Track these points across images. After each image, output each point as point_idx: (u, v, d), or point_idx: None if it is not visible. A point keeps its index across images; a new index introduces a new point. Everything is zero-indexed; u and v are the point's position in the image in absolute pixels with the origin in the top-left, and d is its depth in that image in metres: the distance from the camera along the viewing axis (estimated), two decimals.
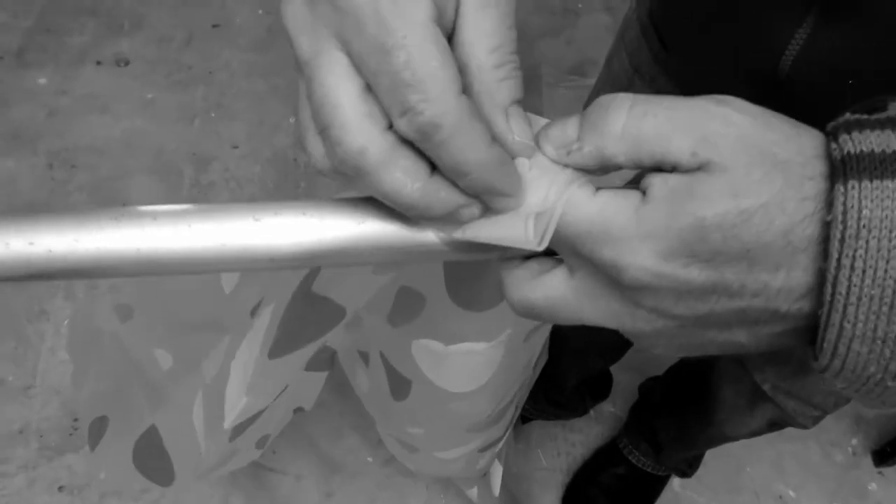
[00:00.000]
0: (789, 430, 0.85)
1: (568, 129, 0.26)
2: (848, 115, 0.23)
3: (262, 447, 0.82)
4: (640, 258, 0.24)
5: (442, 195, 0.26)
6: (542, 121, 0.29)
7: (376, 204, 0.28)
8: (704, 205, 0.22)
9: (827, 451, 1.34)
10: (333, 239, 0.28)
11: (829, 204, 0.22)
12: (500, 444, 0.86)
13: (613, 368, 1.26)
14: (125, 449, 0.76)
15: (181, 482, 0.76)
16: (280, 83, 1.78)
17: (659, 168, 0.25)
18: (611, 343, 1.04)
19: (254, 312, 0.58)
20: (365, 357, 0.77)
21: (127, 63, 1.77)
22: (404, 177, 0.25)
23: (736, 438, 0.95)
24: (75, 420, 1.21)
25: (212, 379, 0.62)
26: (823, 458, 1.33)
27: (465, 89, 0.25)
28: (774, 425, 0.84)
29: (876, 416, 1.39)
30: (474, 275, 0.54)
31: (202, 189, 1.56)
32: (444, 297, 0.56)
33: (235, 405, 0.59)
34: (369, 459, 1.24)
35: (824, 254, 0.22)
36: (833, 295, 0.22)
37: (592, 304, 0.27)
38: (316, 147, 0.26)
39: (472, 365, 0.63)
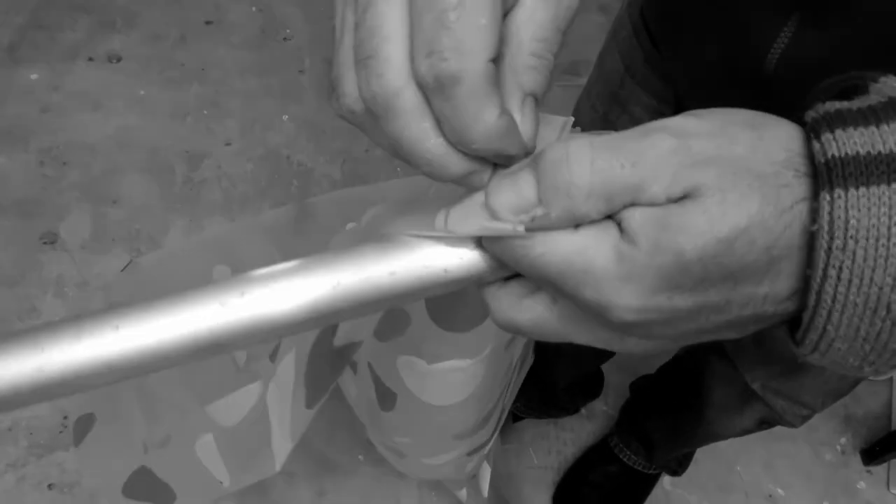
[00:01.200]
0: (779, 430, 0.86)
1: (523, 189, 0.24)
2: (828, 105, 0.23)
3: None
4: (624, 299, 0.23)
5: (458, 157, 0.25)
6: (557, 120, 0.29)
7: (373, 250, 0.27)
8: (682, 238, 0.22)
9: (816, 450, 1.35)
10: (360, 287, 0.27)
11: (811, 210, 0.22)
12: (488, 447, 0.86)
13: (605, 367, 1.27)
14: (115, 481, 0.75)
15: (183, 501, 0.75)
16: (273, 81, 1.77)
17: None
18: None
19: (273, 357, 0.58)
20: (353, 366, 0.78)
21: (119, 60, 1.76)
22: (432, 128, 0.24)
23: (726, 437, 0.95)
24: (65, 418, 1.21)
25: (236, 423, 0.62)
26: (813, 457, 1.34)
27: (496, 60, 0.24)
28: (764, 424, 0.85)
29: (865, 416, 1.40)
30: (452, 297, 0.53)
31: (194, 186, 1.56)
32: (426, 318, 0.57)
33: (282, 450, 0.60)
34: (361, 458, 1.25)
35: (808, 259, 0.22)
36: (818, 302, 0.22)
37: (578, 328, 0.27)
38: (349, 85, 0.25)
39: (455, 380, 0.63)
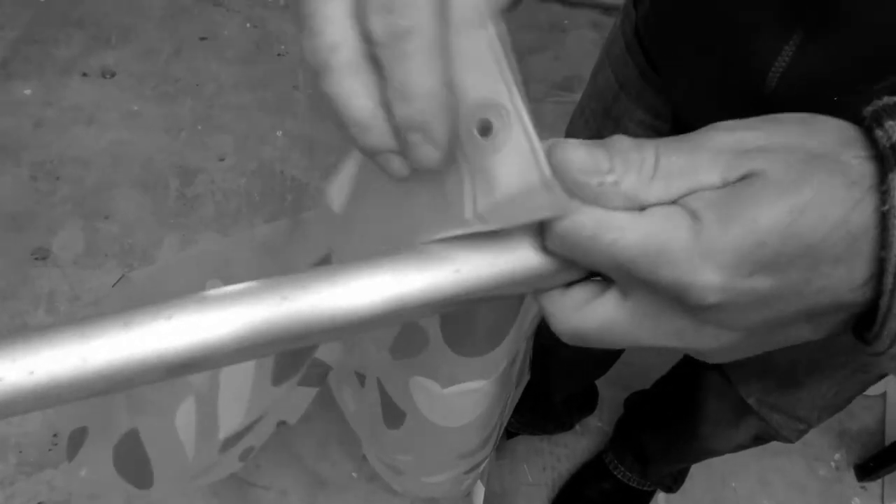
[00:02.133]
0: (774, 445, 0.85)
1: (598, 158, 0.24)
2: (886, 99, 0.23)
3: (244, 459, 0.81)
4: (705, 276, 0.22)
5: (384, 126, 0.25)
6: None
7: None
8: (753, 209, 0.22)
9: (811, 465, 1.35)
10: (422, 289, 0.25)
11: (879, 190, 0.22)
12: (483, 465, 0.86)
13: (599, 383, 1.26)
14: (105, 454, 0.75)
15: (159, 487, 0.75)
16: (267, 96, 1.78)
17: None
18: (597, 359, 1.05)
19: None
20: (361, 378, 0.77)
21: (113, 75, 1.77)
22: (363, 88, 0.24)
23: (721, 453, 0.95)
24: (55, 435, 1.20)
25: (207, 389, 0.61)
26: (807, 472, 1.34)
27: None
28: (759, 439, 0.85)
29: (859, 431, 1.40)
30: (467, 323, 0.53)
31: (188, 201, 1.55)
32: (440, 341, 0.56)
33: (233, 419, 0.58)
34: (354, 475, 1.24)
35: (881, 241, 0.22)
36: (894, 284, 0.22)
37: (651, 325, 0.25)
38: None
39: (467, 402, 0.62)
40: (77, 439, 0.86)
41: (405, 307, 0.25)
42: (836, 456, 1.37)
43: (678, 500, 1.28)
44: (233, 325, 0.24)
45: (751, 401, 0.79)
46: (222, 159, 1.64)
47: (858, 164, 0.22)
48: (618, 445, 1.22)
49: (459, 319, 0.53)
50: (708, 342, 0.25)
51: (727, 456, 0.97)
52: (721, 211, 0.22)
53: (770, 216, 0.22)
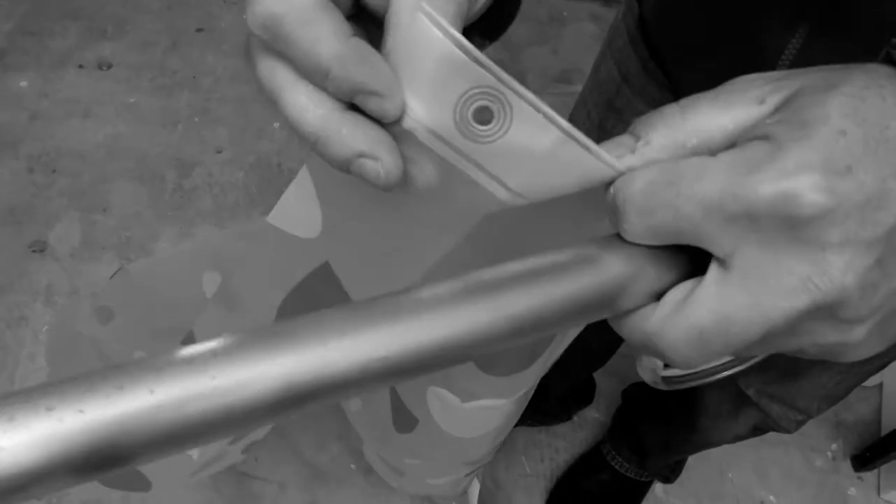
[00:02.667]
0: (771, 436, 0.86)
1: (619, 138, 0.24)
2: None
3: (246, 452, 0.81)
4: (803, 179, 0.20)
5: (343, 132, 0.23)
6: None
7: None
8: (819, 110, 0.21)
9: (807, 456, 1.35)
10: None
11: None
12: (480, 467, 0.86)
13: (597, 374, 1.27)
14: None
15: (158, 488, 0.75)
16: None
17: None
18: (595, 351, 1.05)
19: (187, 341, 0.57)
20: None
21: (110, 67, 1.76)
22: (307, 100, 0.23)
23: (719, 444, 0.96)
24: None
25: None
26: (804, 463, 1.34)
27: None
28: (758, 430, 0.85)
29: (855, 422, 1.40)
30: None
31: (185, 194, 1.55)
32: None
33: None
34: (353, 467, 1.24)
35: None
36: None
37: (769, 283, 0.21)
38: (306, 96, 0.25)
39: (484, 416, 0.61)
40: None
41: (489, 339, 0.23)
42: (833, 446, 1.37)
43: (675, 491, 1.28)
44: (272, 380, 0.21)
45: (750, 392, 0.79)
46: (219, 152, 1.64)
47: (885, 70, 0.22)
48: (615, 437, 1.22)
49: None
50: (839, 277, 0.21)
51: (724, 447, 0.97)
52: (791, 123, 0.21)
53: (837, 107, 0.21)
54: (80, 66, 1.74)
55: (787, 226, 0.21)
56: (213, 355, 0.20)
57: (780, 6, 0.44)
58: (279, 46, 0.23)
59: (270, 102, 0.24)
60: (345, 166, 0.24)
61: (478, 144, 0.24)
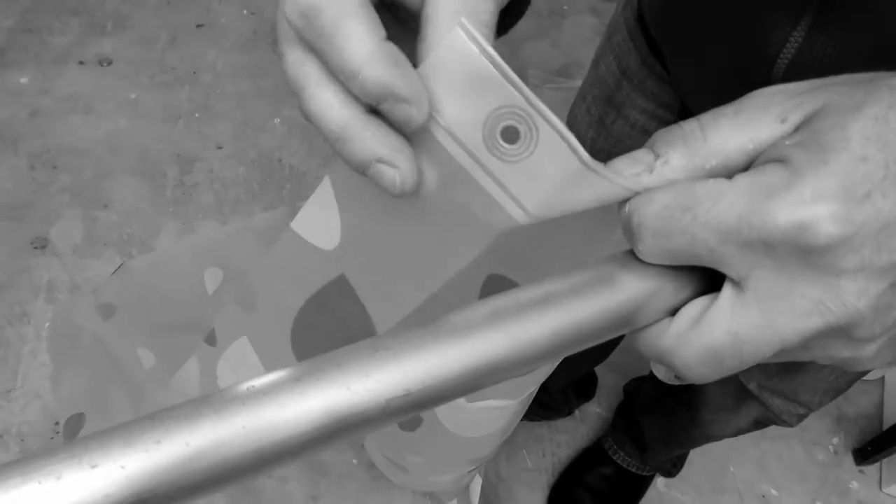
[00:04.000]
0: (772, 430, 0.86)
1: (636, 154, 0.24)
2: None
3: None
4: (820, 208, 0.20)
5: (367, 135, 0.23)
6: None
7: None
8: (840, 133, 0.21)
9: (809, 450, 1.35)
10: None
11: None
12: (482, 464, 0.86)
13: (598, 369, 1.27)
14: None
15: None
16: (265, 84, 1.77)
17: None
18: (597, 347, 1.05)
19: (212, 341, 0.57)
20: None
21: (110, 63, 1.76)
22: (335, 98, 0.24)
23: (721, 438, 0.96)
24: (56, 424, 1.20)
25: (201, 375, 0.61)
26: (806, 457, 1.34)
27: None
28: (759, 424, 0.85)
29: (857, 415, 1.40)
30: None
31: (186, 190, 1.55)
32: None
33: None
34: (354, 462, 1.24)
35: None
36: None
37: (783, 305, 0.22)
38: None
39: (490, 416, 0.61)
40: (74, 425, 0.86)
41: (511, 365, 0.24)
42: (835, 440, 1.37)
43: (677, 485, 1.29)
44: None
45: (751, 386, 0.79)
46: (220, 147, 1.63)
47: None
48: (617, 431, 1.22)
49: None
50: (853, 302, 0.21)
51: (726, 441, 0.97)
52: (809, 148, 0.21)
53: (859, 131, 0.20)
54: (81, 63, 1.74)
55: (803, 253, 0.21)
56: (243, 404, 0.21)
57: (780, 1, 0.44)
58: (312, 38, 0.23)
59: (294, 93, 0.24)
60: (362, 168, 0.24)
61: (503, 163, 0.24)
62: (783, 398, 0.78)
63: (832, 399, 0.76)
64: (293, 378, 0.22)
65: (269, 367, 0.53)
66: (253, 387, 0.21)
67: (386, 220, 0.33)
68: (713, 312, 0.23)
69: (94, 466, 0.19)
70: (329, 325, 0.44)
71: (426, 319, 0.24)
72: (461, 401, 0.58)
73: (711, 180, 0.22)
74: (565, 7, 1.99)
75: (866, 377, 1.34)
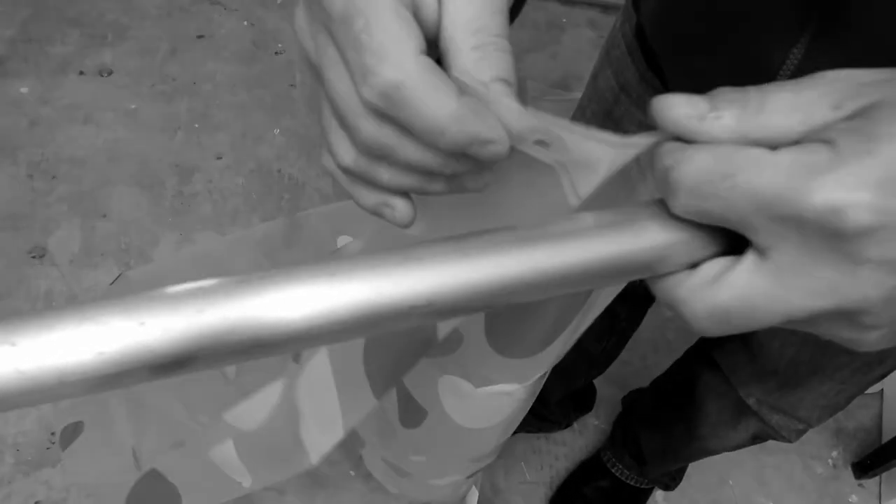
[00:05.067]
0: (771, 443, 0.86)
1: (696, 100, 0.25)
2: None
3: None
4: (857, 195, 0.20)
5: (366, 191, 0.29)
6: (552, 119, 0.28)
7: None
8: (888, 129, 0.21)
9: (808, 463, 1.35)
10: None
11: None
12: (481, 471, 0.85)
13: (597, 381, 1.27)
14: (115, 494, 0.74)
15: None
16: (264, 95, 1.77)
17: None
18: (595, 359, 1.05)
19: (297, 359, 0.57)
20: None
21: (110, 73, 1.76)
22: (364, 189, 0.29)
23: (719, 452, 0.95)
24: (52, 434, 1.19)
25: (258, 426, 0.61)
26: (804, 470, 1.34)
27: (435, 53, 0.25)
28: (757, 439, 0.85)
29: (856, 429, 1.40)
30: (517, 321, 0.52)
31: (185, 200, 1.55)
32: (482, 340, 0.55)
33: (320, 444, 0.57)
34: (352, 473, 1.23)
35: None
36: None
37: (801, 281, 0.22)
38: (339, 142, 0.28)
39: (496, 404, 0.61)
40: (71, 433, 0.86)
41: (551, 283, 0.25)
42: (834, 454, 1.37)
43: (676, 498, 1.28)
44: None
45: (751, 401, 0.79)
46: (219, 158, 1.64)
47: None
48: (616, 444, 1.22)
49: (511, 319, 0.52)
50: (868, 291, 0.22)
51: (725, 454, 0.97)
52: (858, 134, 0.21)
53: None
54: (81, 73, 1.75)
55: (831, 236, 0.21)
56: (280, 289, 0.23)
57: (781, 16, 0.44)
58: (394, 112, 0.25)
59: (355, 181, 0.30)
60: (453, 185, 0.28)
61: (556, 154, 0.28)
62: (782, 414, 0.78)
63: (831, 415, 0.76)
64: (328, 273, 0.23)
65: (341, 386, 0.53)
66: (293, 273, 0.24)
67: (460, 209, 0.36)
68: (733, 275, 0.24)
69: (141, 324, 0.22)
70: (396, 342, 0.46)
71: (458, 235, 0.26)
72: (469, 387, 0.59)
73: (755, 150, 0.23)
74: (564, 20, 2.00)
75: (866, 391, 1.34)
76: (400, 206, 0.29)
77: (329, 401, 0.54)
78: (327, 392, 0.54)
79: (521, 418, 0.70)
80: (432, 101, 0.24)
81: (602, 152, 0.26)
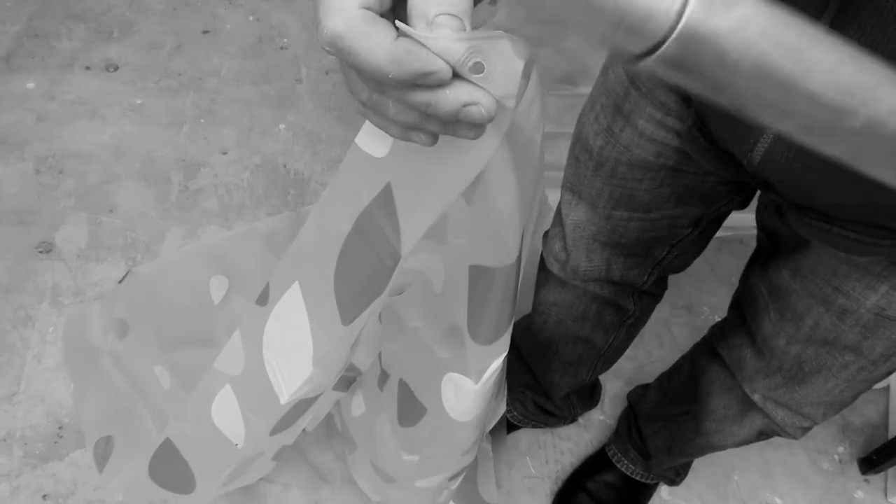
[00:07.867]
0: (777, 439, 0.85)
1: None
2: None
3: (276, 459, 0.83)
4: None
5: (447, 92, 0.29)
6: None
7: None
8: None
9: (814, 458, 1.35)
10: None
11: None
12: (461, 477, 0.86)
13: (603, 376, 1.27)
14: (140, 466, 0.75)
15: (201, 490, 0.75)
16: (269, 90, 1.77)
17: None
18: (601, 354, 1.05)
19: (264, 300, 0.57)
20: (383, 380, 0.78)
21: (116, 69, 1.76)
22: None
23: (724, 447, 0.95)
24: (60, 428, 1.20)
25: (243, 371, 0.62)
26: (810, 465, 1.34)
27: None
28: (762, 435, 0.85)
29: (862, 425, 1.40)
30: (485, 307, 0.54)
31: (191, 195, 1.56)
32: (467, 335, 0.57)
33: (298, 376, 0.57)
34: None
35: None
36: None
37: None
38: (354, 81, 0.32)
39: (483, 392, 0.63)
40: (104, 448, 0.87)
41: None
42: (840, 449, 1.37)
43: (681, 493, 1.28)
44: None
45: (756, 397, 0.79)
46: (225, 153, 1.64)
47: None
48: (621, 439, 1.22)
49: (486, 307, 0.54)
50: None
51: (730, 449, 0.97)
52: None
53: None
54: (87, 68, 1.75)
55: None
56: None
57: (797, 5, 0.44)
58: (344, 58, 0.28)
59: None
60: (454, 116, 0.30)
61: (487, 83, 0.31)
62: (787, 410, 0.77)
63: (837, 412, 0.76)
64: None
65: (313, 315, 0.54)
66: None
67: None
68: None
69: None
70: (366, 259, 0.47)
71: None
72: (470, 383, 0.61)
73: None
74: None
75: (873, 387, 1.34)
76: (484, 100, 0.30)
77: (302, 335, 0.55)
78: (300, 327, 0.55)
79: (489, 409, 0.72)
80: (369, 48, 0.27)
81: (509, 47, 0.30)
